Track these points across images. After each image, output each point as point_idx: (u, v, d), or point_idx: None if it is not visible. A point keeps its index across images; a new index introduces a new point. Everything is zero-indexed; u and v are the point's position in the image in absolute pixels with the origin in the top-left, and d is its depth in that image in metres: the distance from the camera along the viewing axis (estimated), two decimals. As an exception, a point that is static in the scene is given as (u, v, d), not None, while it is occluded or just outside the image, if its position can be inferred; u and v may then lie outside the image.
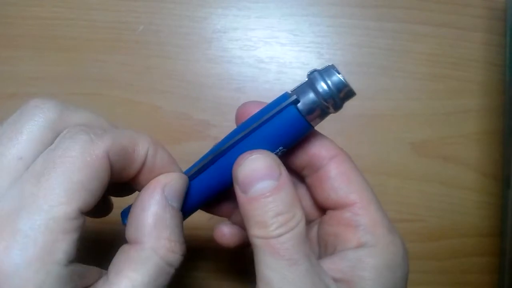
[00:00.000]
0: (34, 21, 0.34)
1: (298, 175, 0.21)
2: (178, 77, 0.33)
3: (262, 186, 0.16)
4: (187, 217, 0.20)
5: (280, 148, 0.18)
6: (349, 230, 0.18)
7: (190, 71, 0.33)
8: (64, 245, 0.13)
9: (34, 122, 0.15)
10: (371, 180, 0.31)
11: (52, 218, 0.13)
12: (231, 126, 0.32)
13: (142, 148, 0.17)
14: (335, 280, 0.17)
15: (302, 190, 0.21)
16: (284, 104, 0.18)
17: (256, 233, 0.16)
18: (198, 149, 0.30)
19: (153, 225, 0.16)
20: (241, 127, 0.19)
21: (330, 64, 0.18)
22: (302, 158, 0.19)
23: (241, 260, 0.30)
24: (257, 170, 0.16)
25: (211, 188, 0.19)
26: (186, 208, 0.19)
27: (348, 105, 0.33)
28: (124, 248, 0.16)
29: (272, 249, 0.16)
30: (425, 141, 0.32)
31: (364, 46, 0.33)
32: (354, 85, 0.34)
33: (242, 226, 0.21)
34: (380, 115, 0.32)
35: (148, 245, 0.16)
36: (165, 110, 0.32)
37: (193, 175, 0.19)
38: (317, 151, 0.19)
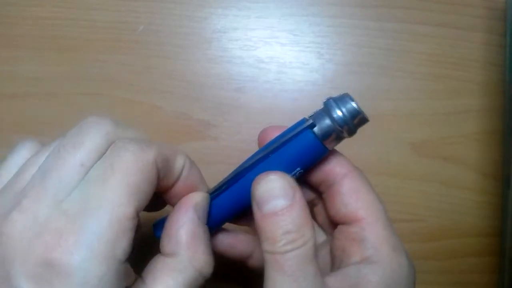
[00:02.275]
0: (34, 21, 0.34)
1: (317, 191, 0.22)
2: (178, 77, 0.33)
3: (276, 204, 0.17)
4: (211, 233, 0.21)
5: (298, 169, 0.19)
6: (354, 244, 0.19)
7: (190, 71, 0.33)
8: (123, 242, 0.15)
9: (93, 135, 0.17)
10: (371, 180, 0.31)
11: (116, 217, 0.15)
12: (231, 126, 0.32)
13: (180, 161, 0.19)
14: None
15: (320, 206, 0.23)
16: (301, 128, 0.19)
17: (266, 247, 0.17)
18: (198, 149, 0.30)
19: (190, 240, 0.18)
20: (261, 150, 0.20)
21: (345, 92, 0.19)
22: (318, 175, 0.21)
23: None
24: (272, 189, 0.18)
25: (232, 206, 0.21)
26: (210, 224, 0.20)
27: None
28: (159, 258, 0.18)
29: (278, 264, 0.17)
30: (425, 141, 0.32)
31: (364, 46, 0.33)
32: (354, 85, 0.34)
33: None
34: (380, 115, 0.32)
35: (185, 257, 0.17)
36: (165, 110, 0.32)
37: (215, 193, 0.20)
38: (332, 168, 0.20)
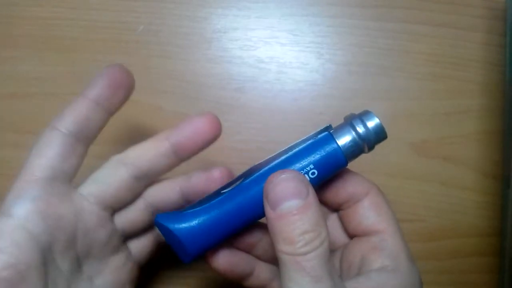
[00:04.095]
0: (34, 21, 0.34)
1: (329, 206, 0.23)
2: (178, 77, 0.33)
3: (290, 204, 0.17)
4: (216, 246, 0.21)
5: (311, 166, 0.19)
6: (375, 253, 0.20)
7: (190, 71, 0.33)
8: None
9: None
10: (371, 180, 0.31)
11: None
12: (230, 126, 0.32)
13: None
14: None
15: (332, 219, 0.23)
16: (319, 130, 0.20)
17: (283, 249, 0.17)
18: (198, 149, 0.30)
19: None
20: (279, 152, 0.20)
21: (366, 109, 0.21)
22: (342, 196, 0.22)
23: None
24: (286, 188, 0.17)
25: (242, 210, 0.20)
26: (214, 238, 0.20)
27: (349, 105, 0.33)
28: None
29: (299, 265, 0.17)
30: (425, 141, 0.32)
31: (364, 46, 0.33)
32: (354, 85, 0.34)
33: (261, 258, 0.23)
34: (380, 115, 0.32)
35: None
36: (165, 110, 0.32)
37: (225, 189, 0.20)
38: (355, 190, 0.22)
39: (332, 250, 0.23)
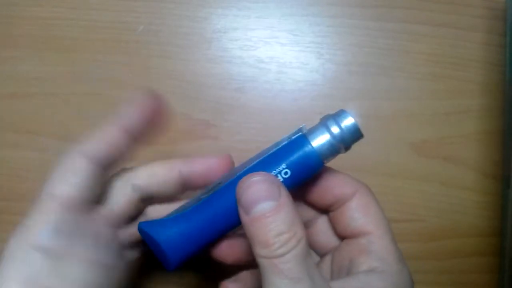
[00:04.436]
0: (34, 21, 0.34)
1: (318, 209, 0.23)
2: (178, 77, 0.33)
3: (263, 206, 0.17)
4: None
5: (283, 166, 0.19)
6: (363, 255, 0.20)
7: (190, 71, 0.33)
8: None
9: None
10: (371, 180, 0.31)
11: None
12: (230, 126, 0.32)
13: None
14: None
15: (322, 221, 0.23)
16: (293, 132, 0.20)
17: (260, 252, 0.17)
18: (198, 149, 0.30)
19: None
20: (255, 156, 0.20)
21: (341, 109, 0.20)
22: (329, 197, 0.21)
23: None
24: (258, 191, 0.17)
25: (217, 218, 0.20)
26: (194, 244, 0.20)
27: (349, 105, 0.33)
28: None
29: (276, 268, 0.16)
30: (425, 141, 0.32)
31: (364, 46, 0.33)
32: (354, 85, 0.34)
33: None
34: (380, 115, 0.32)
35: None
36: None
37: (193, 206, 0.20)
38: (342, 190, 0.21)
39: (323, 253, 0.23)
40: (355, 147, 0.31)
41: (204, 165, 0.22)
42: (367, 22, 0.33)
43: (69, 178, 0.19)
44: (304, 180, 0.20)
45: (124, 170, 0.22)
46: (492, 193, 0.32)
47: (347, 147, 0.20)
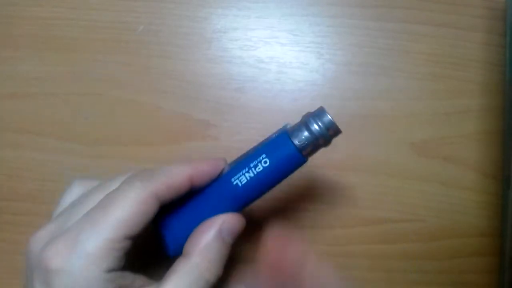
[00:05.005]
0: (34, 21, 0.34)
1: None
2: (178, 77, 0.33)
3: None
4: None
5: (263, 156, 0.21)
6: None
7: (190, 71, 0.33)
8: (109, 258, 0.18)
9: (119, 181, 0.20)
10: (371, 180, 0.31)
11: (104, 240, 0.18)
12: (230, 126, 0.32)
13: (185, 183, 0.21)
14: None
15: None
16: (277, 130, 0.22)
17: None
18: (198, 149, 0.30)
19: (203, 248, 0.20)
20: (245, 153, 0.22)
21: (320, 106, 0.22)
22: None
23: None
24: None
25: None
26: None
27: (348, 105, 0.33)
28: (177, 261, 0.20)
29: None
30: (425, 141, 0.32)
31: (364, 46, 0.33)
32: (354, 85, 0.34)
33: None
34: (380, 115, 0.32)
35: (193, 259, 0.20)
36: (165, 110, 0.32)
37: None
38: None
39: None
40: (355, 146, 0.32)
41: (213, 168, 0.22)
42: (367, 22, 0.33)
43: (133, 215, 0.19)
44: (285, 171, 0.21)
45: (143, 180, 0.20)
46: (492, 193, 0.32)
47: (326, 142, 0.21)
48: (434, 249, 0.31)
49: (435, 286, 0.31)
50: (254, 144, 0.32)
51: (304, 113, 0.22)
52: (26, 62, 0.33)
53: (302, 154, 0.21)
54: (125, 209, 0.18)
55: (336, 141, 0.25)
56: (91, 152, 0.32)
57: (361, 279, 0.31)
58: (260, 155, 0.21)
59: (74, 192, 0.22)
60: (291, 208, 0.32)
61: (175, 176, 0.20)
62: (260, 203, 0.31)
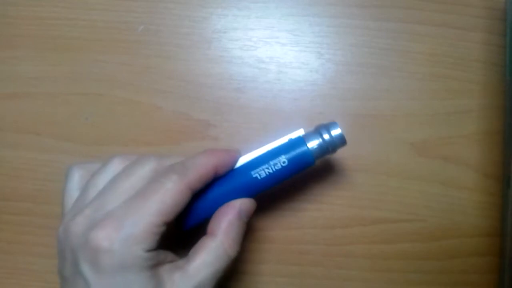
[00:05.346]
0: (34, 21, 0.34)
1: None
2: (178, 77, 0.33)
3: None
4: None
5: (283, 157, 0.24)
6: None
7: (190, 71, 0.33)
8: (149, 240, 0.20)
9: (142, 168, 0.22)
10: (371, 180, 0.31)
11: (145, 224, 0.20)
12: (231, 126, 0.32)
13: (210, 172, 0.23)
14: None
15: None
16: (293, 134, 0.26)
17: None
18: (198, 149, 0.30)
19: (226, 228, 0.23)
20: (260, 149, 0.26)
21: (333, 120, 0.26)
22: None
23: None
24: None
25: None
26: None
27: (348, 105, 0.33)
28: (203, 238, 0.23)
29: None
30: (425, 141, 0.32)
31: (364, 46, 0.33)
32: (354, 85, 0.34)
33: None
34: (380, 115, 0.32)
35: (219, 238, 0.23)
36: (165, 110, 0.32)
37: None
38: None
39: None
40: (355, 146, 0.32)
41: (230, 161, 0.25)
42: (367, 22, 0.33)
43: (171, 207, 0.21)
44: (297, 171, 0.25)
45: (179, 174, 0.22)
46: (492, 193, 0.32)
47: (333, 150, 0.25)
48: (434, 249, 0.31)
49: (435, 286, 0.31)
50: (254, 144, 0.32)
51: (317, 123, 0.26)
52: (26, 62, 0.33)
53: (314, 158, 0.25)
54: (165, 199, 0.21)
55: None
56: (91, 152, 0.32)
57: (361, 279, 0.31)
58: (280, 155, 0.24)
59: (76, 177, 0.24)
60: (291, 208, 0.32)
61: (204, 169, 0.23)
62: (260, 203, 0.31)
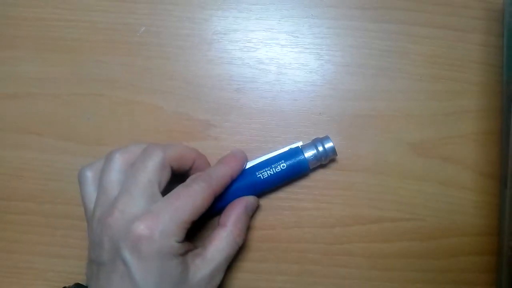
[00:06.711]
0: (35, 22, 0.34)
1: None
2: (179, 78, 0.33)
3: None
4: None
5: (282, 161, 0.29)
6: None
7: (191, 72, 0.33)
8: (180, 233, 0.24)
9: (153, 160, 0.25)
10: (370, 180, 0.32)
11: (178, 219, 0.24)
12: (231, 126, 0.32)
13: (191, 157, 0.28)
14: None
15: None
16: (292, 145, 0.30)
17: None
18: (199, 149, 0.30)
19: (235, 219, 0.28)
20: (263, 156, 0.30)
21: (326, 135, 0.30)
22: None
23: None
24: None
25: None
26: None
27: (347, 106, 0.33)
28: (216, 229, 0.27)
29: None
30: (424, 141, 0.32)
31: (363, 47, 0.33)
32: (353, 86, 0.35)
33: None
34: (379, 116, 0.33)
35: (229, 228, 0.27)
36: (165, 111, 0.33)
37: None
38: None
39: None
40: (354, 146, 0.32)
41: (241, 168, 0.29)
42: (366, 24, 0.33)
43: (198, 207, 0.25)
44: (294, 175, 0.30)
45: (162, 151, 0.26)
46: (490, 193, 0.32)
47: (325, 159, 0.30)
48: (432, 248, 0.31)
49: (433, 285, 0.31)
50: (254, 144, 0.33)
51: (313, 137, 0.31)
52: (27, 62, 0.34)
53: (309, 166, 0.29)
54: (195, 202, 0.25)
55: (336, 141, 0.31)
56: (92, 152, 0.32)
57: (360, 278, 0.31)
58: (280, 160, 0.29)
59: (90, 179, 0.27)
60: (291, 208, 0.32)
61: (225, 179, 0.27)
62: (261, 203, 0.31)
